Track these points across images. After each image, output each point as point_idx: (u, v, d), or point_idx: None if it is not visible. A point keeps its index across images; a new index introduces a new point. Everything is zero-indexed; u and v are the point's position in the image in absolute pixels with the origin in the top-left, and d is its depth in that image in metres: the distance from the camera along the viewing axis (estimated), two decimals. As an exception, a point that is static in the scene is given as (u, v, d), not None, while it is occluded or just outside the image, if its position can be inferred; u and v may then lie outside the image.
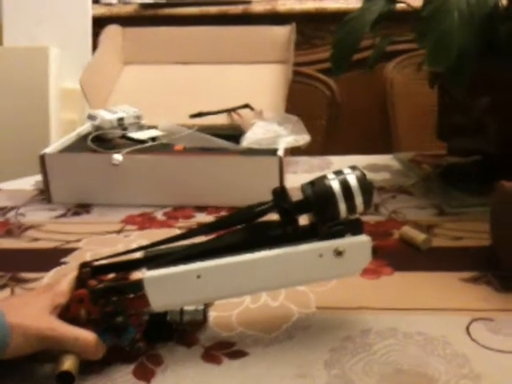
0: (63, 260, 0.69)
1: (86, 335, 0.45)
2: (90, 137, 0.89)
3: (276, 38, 1.15)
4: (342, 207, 0.47)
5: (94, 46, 1.56)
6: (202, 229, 0.52)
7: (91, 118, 0.93)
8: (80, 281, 0.50)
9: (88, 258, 0.68)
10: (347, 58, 0.80)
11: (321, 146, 1.26)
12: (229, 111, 1.02)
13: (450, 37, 0.62)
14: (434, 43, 0.64)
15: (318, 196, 0.48)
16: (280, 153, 0.83)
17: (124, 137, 0.93)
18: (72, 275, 0.50)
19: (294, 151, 0.96)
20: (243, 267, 0.48)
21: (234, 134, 0.93)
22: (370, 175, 0.95)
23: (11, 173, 1.10)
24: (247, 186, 0.83)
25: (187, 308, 0.53)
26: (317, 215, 0.49)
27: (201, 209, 0.84)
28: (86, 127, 0.98)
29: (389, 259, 0.66)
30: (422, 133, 1.30)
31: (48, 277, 0.64)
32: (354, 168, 0.49)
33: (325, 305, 0.57)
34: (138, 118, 0.97)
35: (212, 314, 0.55)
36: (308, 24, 1.58)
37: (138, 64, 1.17)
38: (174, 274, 0.47)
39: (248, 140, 0.88)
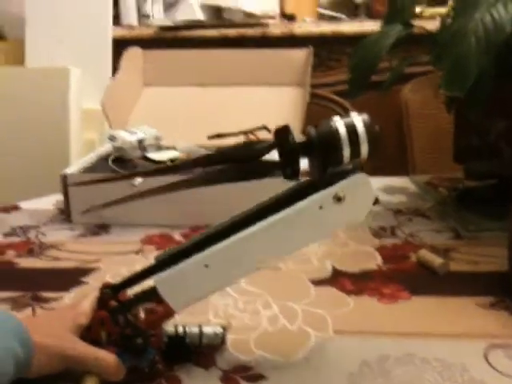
0: (83, 280, 0.70)
1: (107, 356, 0.46)
2: (111, 158, 0.91)
3: (293, 60, 1.17)
4: (346, 152, 0.44)
5: (114, 67, 1.59)
6: (201, 161, 0.49)
7: (112, 138, 0.95)
8: (101, 302, 0.51)
9: (107, 278, 0.69)
10: (364, 82, 0.81)
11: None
12: (246, 133, 1.03)
13: (466, 62, 0.63)
14: (451, 68, 0.64)
15: (322, 138, 0.45)
16: (297, 175, 0.84)
17: (143, 158, 0.95)
18: (93, 296, 0.51)
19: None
20: (246, 243, 0.46)
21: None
22: (386, 197, 0.97)
23: (31, 191, 1.12)
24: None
25: (206, 331, 0.53)
26: (319, 159, 0.46)
27: (218, 229, 0.84)
28: (106, 148, 1.00)
29: (406, 283, 0.66)
30: (437, 155, 1.30)
31: (68, 297, 0.66)
32: (360, 113, 0.46)
33: (342, 329, 0.57)
34: (158, 139, 0.99)
35: (230, 337, 0.55)
36: (324, 46, 1.60)
37: (158, 86, 1.19)
38: (182, 269, 0.46)
39: (265, 162, 0.89)
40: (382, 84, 0.91)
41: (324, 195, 0.46)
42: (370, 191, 0.46)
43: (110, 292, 0.51)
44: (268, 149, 0.46)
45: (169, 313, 0.49)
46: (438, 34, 0.79)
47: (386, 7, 1.84)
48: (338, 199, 0.45)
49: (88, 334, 0.49)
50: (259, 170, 0.47)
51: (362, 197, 0.46)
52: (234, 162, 0.47)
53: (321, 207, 0.46)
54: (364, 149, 0.45)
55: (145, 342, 0.48)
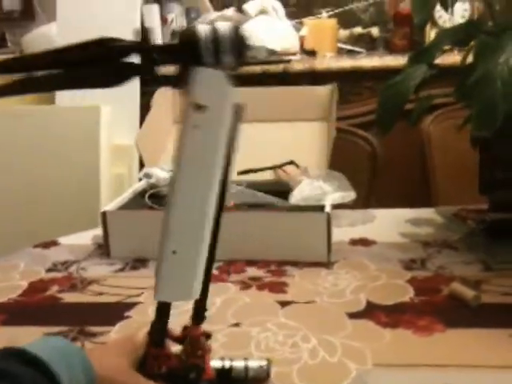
0: (127, 314, 0.72)
1: (164, 391, 0.48)
2: (147, 194, 0.94)
3: (317, 97, 1.21)
4: (208, 56, 0.42)
5: (142, 104, 1.65)
6: (50, 58, 0.42)
7: (147, 176, 0.99)
8: (151, 337, 0.53)
9: (150, 312, 0.72)
10: (392, 121, 0.84)
11: (362, 199, 1.29)
12: (275, 168, 1.07)
13: (494, 105, 0.66)
14: (479, 111, 0.68)
15: (182, 38, 0.42)
16: (327, 209, 0.87)
17: (177, 194, 0.98)
18: (145, 330, 0.54)
19: (336, 205, 0.99)
20: (176, 206, 0.45)
21: (280, 189, 0.97)
22: (413, 229, 0.99)
23: (64, 226, 1.16)
24: (296, 241, 0.87)
25: (251, 365, 0.55)
26: (181, 63, 0.43)
27: (251, 263, 0.87)
28: (141, 184, 1.03)
29: (439, 316, 0.68)
30: (460, 186, 1.32)
31: (115, 331, 0.68)
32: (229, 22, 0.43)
33: (381, 361, 0.59)
34: (190, 175, 1.02)
35: (273, 370, 0.58)
36: (344, 80, 1.64)
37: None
38: (163, 273, 0.46)
39: (296, 197, 0.92)
40: (407, 113, 0.94)
41: (188, 109, 0.43)
42: (227, 86, 0.43)
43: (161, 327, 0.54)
44: (127, 49, 0.41)
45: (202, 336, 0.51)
46: (462, 73, 0.82)
47: (405, 42, 1.89)
48: (199, 107, 0.42)
49: (142, 367, 0.51)
50: (117, 74, 0.42)
51: (221, 95, 0.43)
52: (90, 62, 0.42)
53: (195, 126, 0.43)
54: (228, 54, 0.42)
55: (198, 376, 0.51)
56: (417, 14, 0.98)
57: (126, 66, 0.42)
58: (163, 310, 0.50)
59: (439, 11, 1.70)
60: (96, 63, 0.42)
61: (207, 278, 0.49)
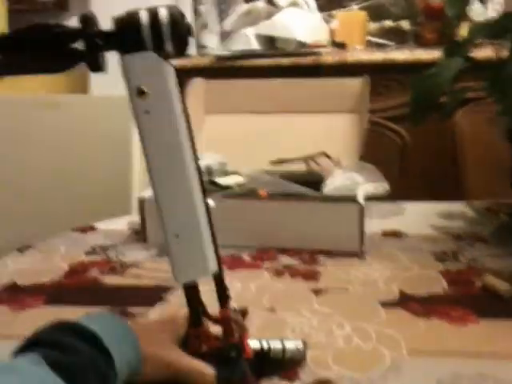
0: (165, 297, 0.75)
1: (208, 370, 0.50)
2: (183, 183, 0.96)
3: (348, 89, 1.22)
4: (149, 44, 0.42)
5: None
6: None
7: (182, 165, 1.01)
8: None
9: (187, 295, 0.74)
10: (425, 113, 0.85)
11: (392, 192, 1.29)
12: (307, 159, 1.08)
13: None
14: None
15: (122, 22, 0.42)
16: (360, 200, 0.88)
17: (210, 182, 1.00)
18: (185, 311, 0.56)
19: (368, 197, 1.00)
20: (160, 190, 0.47)
21: (312, 180, 0.99)
22: (444, 222, 0.99)
23: (96, 213, 1.19)
24: (329, 231, 0.88)
25: (289, 346, 0.57)
26: (122, 48, 0.43)
27: (283, 251, 0.89)
28: (175, 173, 1.06)
29: (473, 307, 0.69)
30: (491, 179, 1.31)
31: (154, 311, 0.71)
32: (173, 7, 0.43)
33: (415, 349, 0.60)
34: (223, 164, 1.04)
35: (308, 353, 0.59)
36: (374, 73, 1.64)
37: (218, 114, 1.25)
38: (174, 256, 0.48)
39: (329, 186, 0.93)
40: (437, 107, 0.94)
41: (132, 95, 0.43)
42: (166, 70, 0.44)
43: (201, 308, 0.56)
44: (70, 35, 0.42)
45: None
46: (495, 67, 0.82)
47: (435, 35, 1.88)
48: (142, 93, 0.43)
49: (183, 346, 0.53)
50: (61, 59, 0.43)
51: (161, 80, 0.44)
52: (35, 47, 0.42)
53: (147, 112, 0.44)
54: (168, 40, 0.42)
55: (238, 355, 0.52)
56: (450, 8, 0.98)
57: (71, 52, 0.42)
58: (190, 291, 0.52)
59: (472, 5, 1.69)
60: (40, 48, 0.42)
61: (218, 258, 0.51)
